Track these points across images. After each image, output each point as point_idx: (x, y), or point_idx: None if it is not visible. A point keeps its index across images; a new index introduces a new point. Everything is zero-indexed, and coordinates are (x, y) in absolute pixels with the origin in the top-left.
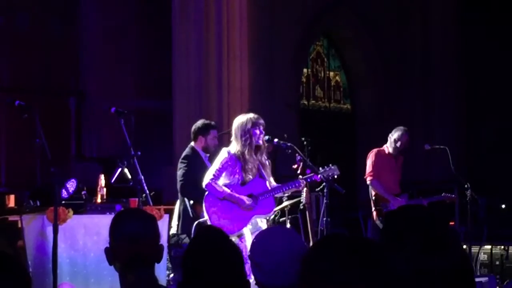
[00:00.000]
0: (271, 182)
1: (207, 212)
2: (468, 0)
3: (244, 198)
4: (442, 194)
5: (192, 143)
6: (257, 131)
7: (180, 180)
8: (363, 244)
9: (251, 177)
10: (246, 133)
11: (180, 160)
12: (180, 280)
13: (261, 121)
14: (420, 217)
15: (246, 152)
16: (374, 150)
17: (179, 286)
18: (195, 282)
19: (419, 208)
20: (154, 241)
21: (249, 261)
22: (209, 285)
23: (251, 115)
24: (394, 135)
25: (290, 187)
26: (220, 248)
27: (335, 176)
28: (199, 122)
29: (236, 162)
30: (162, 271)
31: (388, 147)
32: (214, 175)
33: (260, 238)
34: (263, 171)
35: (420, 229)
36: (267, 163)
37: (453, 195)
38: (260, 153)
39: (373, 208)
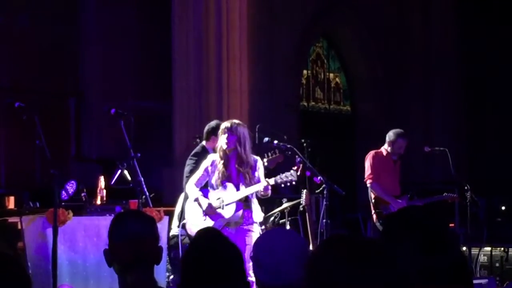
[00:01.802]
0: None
1: (186, 214)
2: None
3: (205, 203)
4: (444, 194)
5: (204, 142)
6: (219, 137)
7: (187, 176)
8: (368, 244)
9: (221, 181)
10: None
11: (189, 157)
12: (179, 282)
13: (233, 126)
14: (419, 219)
15: (217, 157)
16: (372, 152)
17: (179, 287)
18: (195, 284)
19: (418, 209)
20: (153, 243)
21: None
22: (209, 286)
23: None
24: (390, 137)
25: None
26: (220, 249)
27: (293, 183)
28: (213, 122)
29: (215, 168)
30: (162, 272)
31: (385, 149)
32: (196, 179)
33: (264, 237)
34: (239, 178)
35: (419, 230)
36: (251, 171)
37: (454, 194)
38: (239, 161)
39: (373, 211)
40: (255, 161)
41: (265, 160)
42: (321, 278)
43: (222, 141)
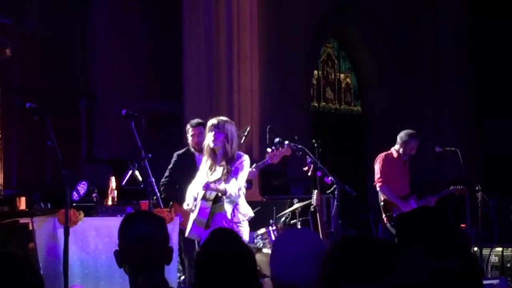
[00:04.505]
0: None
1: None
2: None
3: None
4: (451, 188)
5: None
6: (206, 134)
7: None
8: (381, 245)
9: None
10: None
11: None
12: (193, 282)
13: (220, 123)
14: (430, 221)
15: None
16: (382, 155)
17: (192, 287)
18: (208, 284)
19: (429, 211)
20: (163, 243)
21: None
22: (221, 286)
23: None
24: (403, 138)
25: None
26: (233, 249)
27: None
28: None
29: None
30: (173, 273)
31: (396, 150)
32: None
33: (287, 232)
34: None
35: (430, 232)
36: (227, 169)
37: (461, 186)
38: (226, 159)
39: (383, 214)
40: (239, 156)
41: (267, 155)
42: (334, 279)
43: (209, 139)
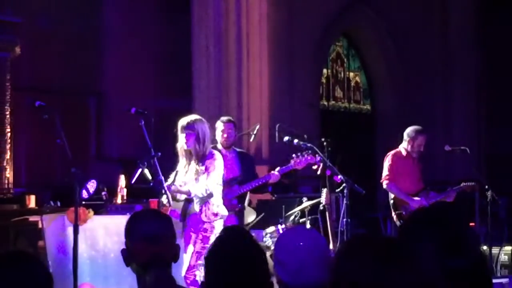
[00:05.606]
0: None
1: None
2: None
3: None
4: (461, 184)
5: None
6: (178, 136)
7: None
8: (392, 244)
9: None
10: None
11: None
12: (203, 280)
13: (189, 124)
14: (437, 219)
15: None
16: (391, 153)
17: (202, 285)
18: (219, 282)
19: (437, 209)
20: (170, 241)
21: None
22: (232, 285)
23: None
24: (410, 135)
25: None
26: (244, 247)
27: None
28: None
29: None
30: (180, 271)
31: (405, 148)
32: None
33: (284, 237)
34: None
35: (437, 231)
36: (204, 169)
37: (472, 183)
38: (197, 159)
39: (393, 212)
40: (211, 155)
41: (291, 160)
42: (346, 278)
43: (181, 141)
